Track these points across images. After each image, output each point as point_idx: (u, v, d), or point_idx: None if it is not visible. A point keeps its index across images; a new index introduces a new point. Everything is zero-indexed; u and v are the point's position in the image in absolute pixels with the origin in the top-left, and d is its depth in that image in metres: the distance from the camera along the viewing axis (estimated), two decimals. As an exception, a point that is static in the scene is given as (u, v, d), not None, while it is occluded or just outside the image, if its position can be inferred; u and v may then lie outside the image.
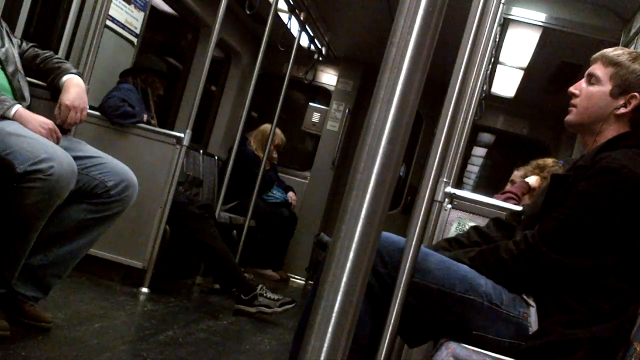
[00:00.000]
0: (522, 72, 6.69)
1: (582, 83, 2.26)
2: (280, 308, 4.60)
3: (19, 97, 2.95)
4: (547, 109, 7.11)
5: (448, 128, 2.06)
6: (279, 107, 6.46)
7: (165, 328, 3.62)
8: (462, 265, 2.06)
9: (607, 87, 2.18)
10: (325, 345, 0.72)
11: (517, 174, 4.45)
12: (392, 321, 1.88)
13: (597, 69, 2.21)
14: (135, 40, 5.14)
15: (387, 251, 1.97)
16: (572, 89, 2.27)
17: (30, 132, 2.71)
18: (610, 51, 2.23)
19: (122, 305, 3.92)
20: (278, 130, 6.70)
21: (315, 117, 7.91)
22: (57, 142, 2.80)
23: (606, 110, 2.18)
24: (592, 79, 2.22)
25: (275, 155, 6.90)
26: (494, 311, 1.98)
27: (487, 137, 8.99)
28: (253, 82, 5.72)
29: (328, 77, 8.09)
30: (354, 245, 0.72)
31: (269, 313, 4.59)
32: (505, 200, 3.83)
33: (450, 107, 2.08)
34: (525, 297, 2.03)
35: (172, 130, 4.87)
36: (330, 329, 0.72)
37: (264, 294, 4.61)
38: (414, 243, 1.92)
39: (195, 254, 5.19)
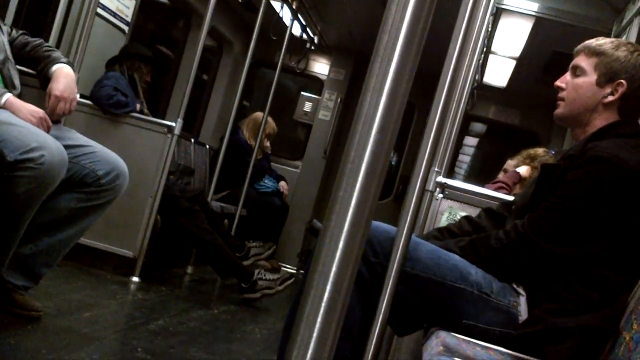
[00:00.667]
0: (514, 62, 6.69)
1: (567, 76, 2.26)
2: (281, 286, 4.71)
3: (9, 86, 2.93)
4: (539, 99, 7.12)
5: (440, 117, 2.06)
6: (270, 96, 6.45)
7: (155, 317, 3.62)
8: (453, 255, 2.07)
9: (592, 77, 2.19)
10: (315, 334, 0.72)
11: (510, 163, 4.45)
12: (382, 310, 1.88)
13: (581, 61, 2.22)
14: (126, 28, 5.12)
15: (378, 240, 1.98)
16: (558, 82, 2.27)
17: (21, 121, 2.69)
18: (592, 42, 2.23)
19: (112, 295, 3.92)
20: (270, 119, 6.69)
21: (307, 106, 7.90)
22: (48, 131, 2.78)
23: (594, 100, 2.18)
24: (577, 71, 2.23)
25: (267, 144, 6.90)
26: (483, 300, 1.99)
27: (479, 126, 9.00)
28: (245, 70, 5.70)
29: (320, 66, 8.08)
30: (343, 235, 0.72)
31: (272, 294, 4.68)
32: (497, 190, 3.83)
33: (442, 97, 2.07)
34: (515, 286, 2.04)
35: (164, 119, 4.85)
36: (319, 319, 0.72)
37: (263, 277, 4.69)
38: (405, 232, 1.92)
39: (190, 246, 5.23)
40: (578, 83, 2.21)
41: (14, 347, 2.57)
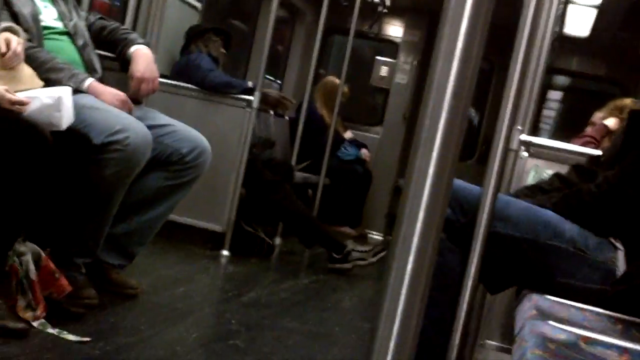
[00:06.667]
0: (595, 10, 6.43)
1: None
2: (375, 257, 4.65)
3: (90, 70, 3.00)
4: (623, 47, 6.84)
5: (520, 73, 1.99)
6: (345, 63, 6.39)
7: (247, 289, 3.68)
8: (545, 211, 2.02)
9: None
10: (400, 307, 0.71)
11: (598, 116, 4.31)
12: (472, 271, 1.85)
13: None
14: (199, 5, 5.16)
15: (466, 200, 1.95)
16: None
17: (104, 104, 2.76)
18: None
19: (204, 269, 4.01)
20: (337, 81, 6.56)
21: (384, 70, 7.79)
22: (130, 113, 2.84)
23: None
24: None
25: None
26: (579, 257, 1.94)
27: (562, 79, 8.71)
28: (318, 39, 5.67)
29: (394, 29, 7.96)
30: (423, 204, 0.71)
31: (365, 265, 4.66)
32: (584, 144, 3.72)
33: (521, 52, 2.01)
34: (612, 240, 1.98)
35: (241, 93, 4.88)
36: (403, 291, 0.71)
37: (355, 249, 4.65)
38: (490, 194, 1.87)
39: (277, 220, 5.25)
40: None
41: (114, 325, 2.67)
